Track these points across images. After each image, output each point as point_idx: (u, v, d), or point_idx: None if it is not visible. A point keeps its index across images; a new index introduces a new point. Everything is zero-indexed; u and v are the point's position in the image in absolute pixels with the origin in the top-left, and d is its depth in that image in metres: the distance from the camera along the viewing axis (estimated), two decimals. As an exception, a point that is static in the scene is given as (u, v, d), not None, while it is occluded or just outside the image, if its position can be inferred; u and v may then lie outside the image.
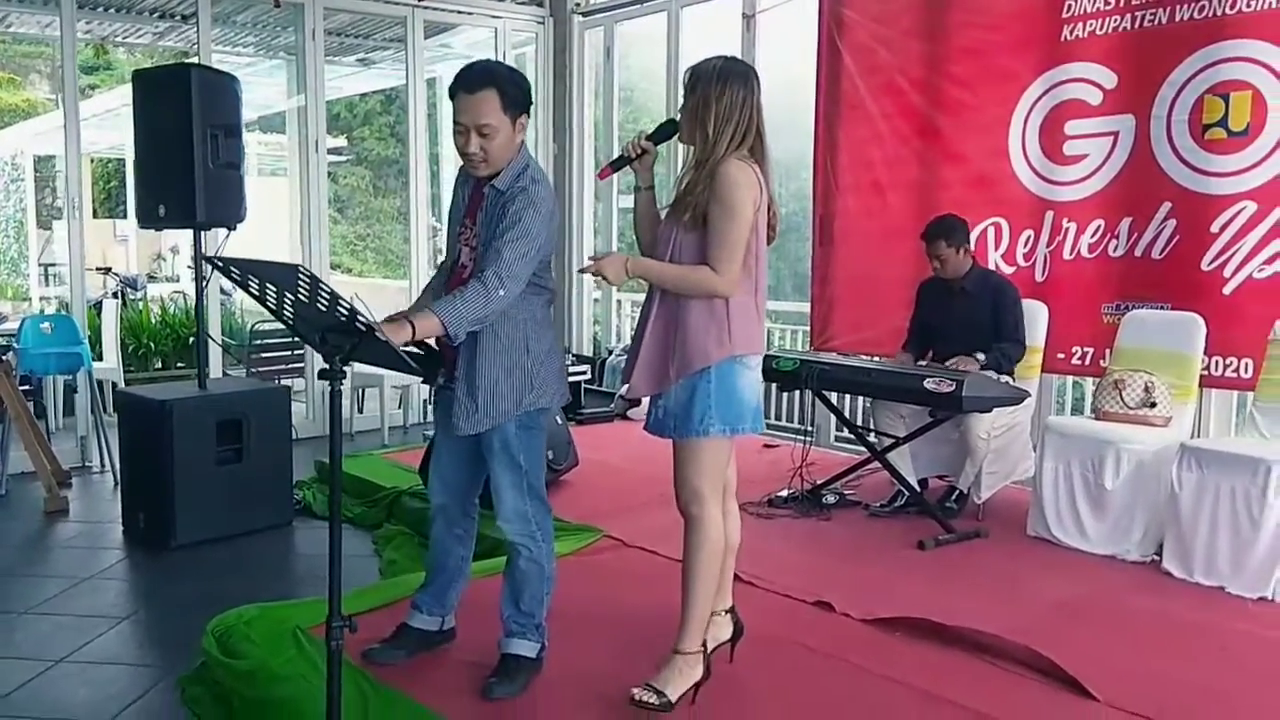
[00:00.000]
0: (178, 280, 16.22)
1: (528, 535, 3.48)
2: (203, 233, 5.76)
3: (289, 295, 2.54)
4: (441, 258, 3.91)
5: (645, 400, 3.49)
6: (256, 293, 2.63)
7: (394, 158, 21.77)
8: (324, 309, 2.45)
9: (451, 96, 3.29)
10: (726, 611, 3.55)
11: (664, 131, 3.39)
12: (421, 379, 2.82)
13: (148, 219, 5.62)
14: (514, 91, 3.29)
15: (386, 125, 21.99)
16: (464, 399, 3.30)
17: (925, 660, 3.70)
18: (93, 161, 18.77)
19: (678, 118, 3.33)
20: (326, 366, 2.60)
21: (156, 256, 18.65)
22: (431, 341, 3.24)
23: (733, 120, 3.16)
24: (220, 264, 2.57)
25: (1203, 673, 3.67)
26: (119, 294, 11.98)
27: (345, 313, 2.43)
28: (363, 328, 2.46)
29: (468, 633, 3.81)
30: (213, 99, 5.55)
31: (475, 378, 3.29)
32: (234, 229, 5.77)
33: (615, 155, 3.36)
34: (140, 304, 12.37)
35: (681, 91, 3.28)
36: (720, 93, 3.16)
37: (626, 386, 3.57)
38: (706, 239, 3.16)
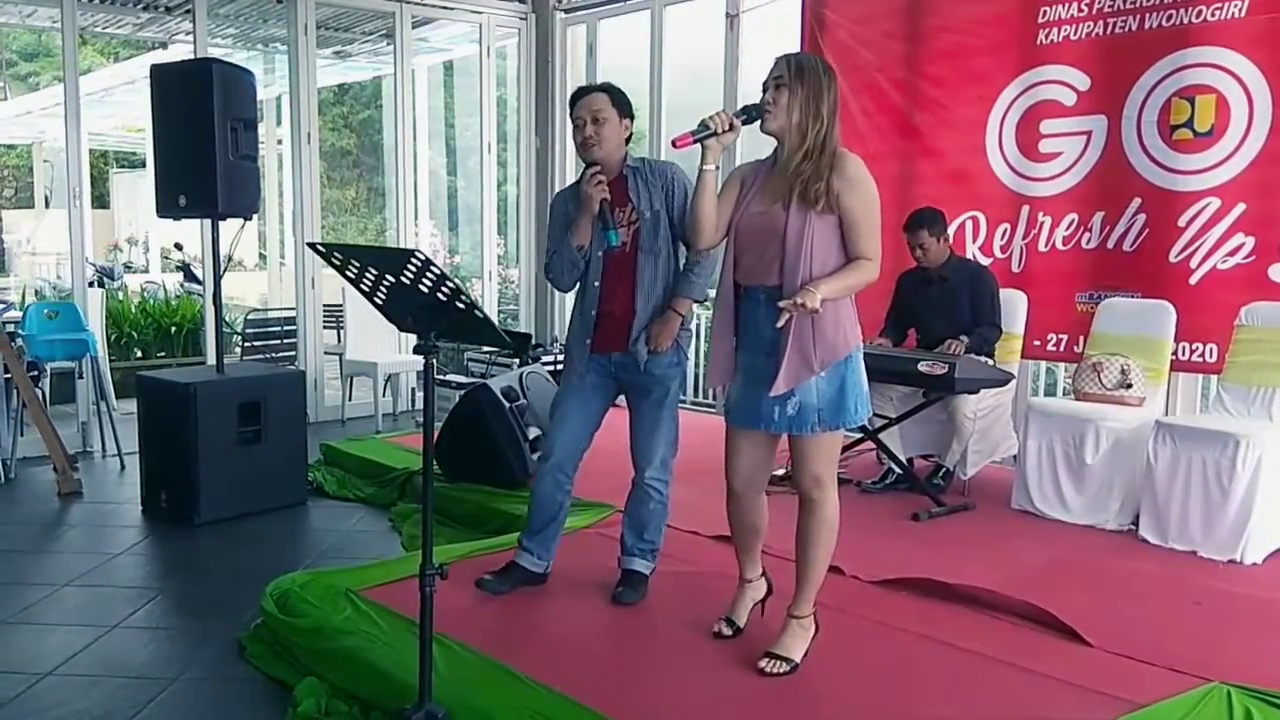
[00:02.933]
0: (147, 270, 16.32)
1: (664, 482, 4.18)
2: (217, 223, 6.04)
3: (389, 278, 2.84)
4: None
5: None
6: (353, 275, 2.92)
7: (348, 148, 21.87)
8: (427, 289, 2.75)
9: (572, 105, 4.06)
10: (760, 575, 3.89)
11: (749, 115, 3.44)
12: (513, 354, 3.14)
13: (168, 208, 5.85)
14: (621, 97, 4.08)
15: (340, 116, 22.02)
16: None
17: (931, 614, 4.07)
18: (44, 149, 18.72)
19: (762, 103, 3.42)
20: (421, 342, 2.90)
21: (113, 247, 18.66)
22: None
23: (837, 113, 3.38)
24: (323, 250, 2.87)
25: (1181, 621, 4.09)
26: (97, 283, 12.10)
27: (449, 291, 2.74)
28: (464, 305, 2.77)
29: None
30: (232, 93, 5.80)
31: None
32: (249, 219, 6.03)
33: (698, 124, 3.40)
34: (120, 293, 12.50)
35: (725, 85, 3.49)
36: (830, 84, 3.37)
37: (716, 383, 3.83)
38: (851, 228, 3.34)
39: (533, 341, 3.39)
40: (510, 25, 9.58)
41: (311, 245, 2.90)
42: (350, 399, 9.02)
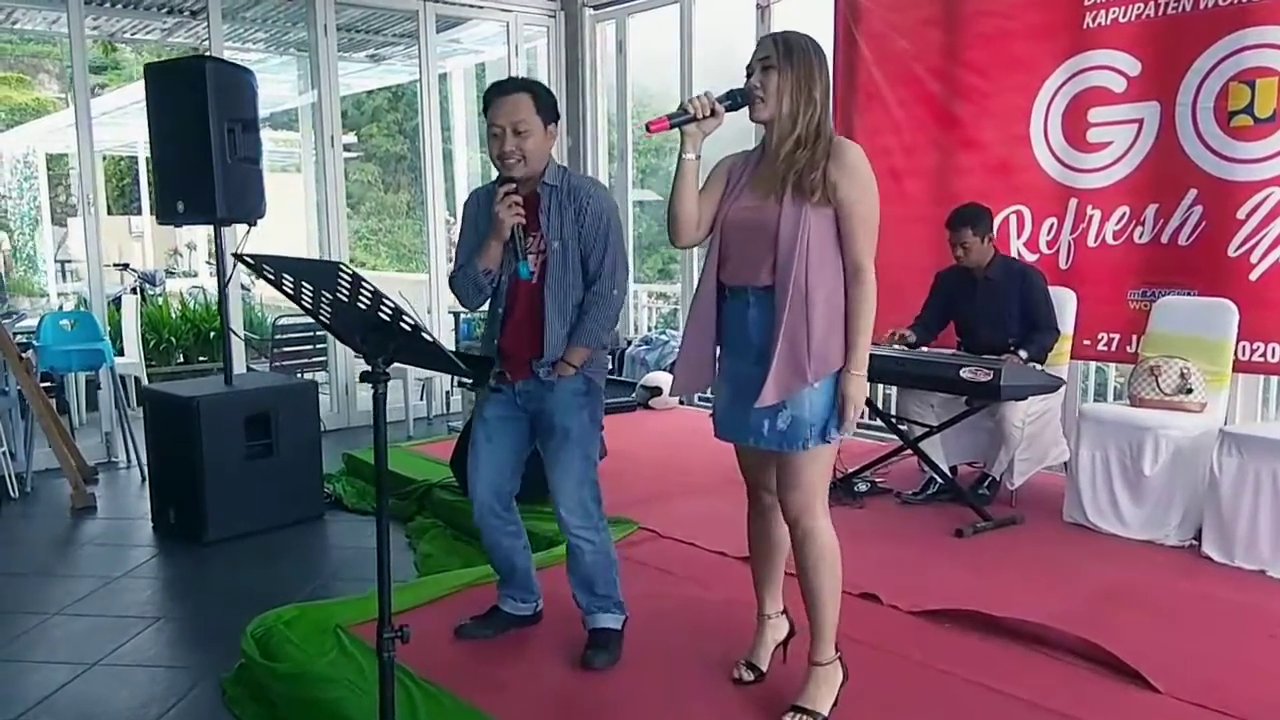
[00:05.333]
0: (195, 275, 16.05)
1: (591, 529, 3.48)
2: (223, 229, 5.59)
3: (326, 294, 2.35)
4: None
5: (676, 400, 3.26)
6: (291, 291, 2.43)
7: (402, 153, 21.61)
8: (365, 308, 2.26)
9: (486, 106, 3.36)
10: (781, 613, 3.38)
11: (734, 101, 2.94)
12: (473, 382, 2.60)
13: (167, 215, 5.42)
14: (546, 97, 3.39)
15: (394, 122, 21.89)
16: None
17: (978, 652, 3.54)
18: (105, 159, 18.58)
19: (749, 88, 2.93)
20: (369, 369, 2.40)
21: (173, 252, 18.50)
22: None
23: (830, 96, 2.94)
24: (251, 261, 2.37)
25: (1257, 657, 3.53)
26: (137, 289, 11.78)
27: (390, 312, 2.23)
28: (408, 328, 2.27)
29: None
30: (228, 92, 5.35)
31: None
32: (254, 225, 5.57)
33: (676, 108, 2.93)
34: (160, 299, 12.20)
35: (745, 69, 2.94)
36: (822, 65, 2.92)
37: (682, 392, 3.28)
38: (849, 225, 2.87)
39: (495, 368, 2.82)
40: (539, 23, 9.11)
41: (238, 256, 2.40)
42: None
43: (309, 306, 2.41)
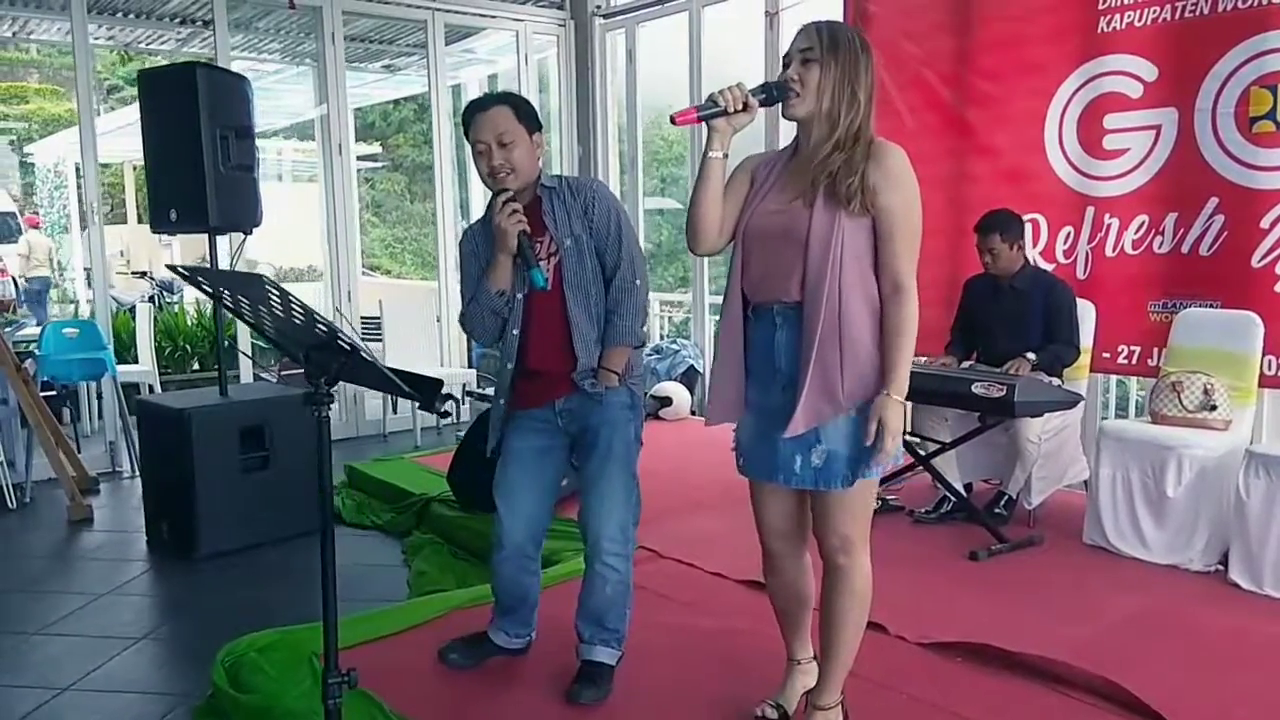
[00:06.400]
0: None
1: (623, 557, 3.18)
2: (218, 237, 5.32)
3: (263, 308, 2.07)
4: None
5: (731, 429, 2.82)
6: (230, 305, 2.16)
7: (428, 163, 21.45)
8: (300, 323, 1.98)
9: (466, 126, 3.12)
10: (812, 659, 3.01)
11: (769, 94, 2.59)
12: (419, 404, 2.30)
13: (160, 223, 5.16)
14: (526, 107, 3.17)
15: (420, 133, 21.75)
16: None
17: (990, 691, 3.22)
18: (135, 169, 18.49)
19: (786, 80, 2.58)
20: (310, 391, 2.12)
21: (202, 260, 18.36)
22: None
23: (874, 97, 2.59)
24: (186, 273, 2.09)
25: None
26: (154, 298, 11.57)
27: (324, 330, 1.95)
28: (346, 345, 1.98)
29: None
30: (221, 99, 5.10)
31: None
32: (249, 233, 5.30)
33: (705, 99, 2.57)
34: (176, 307, 11.98)
35: (774, 65, 2.60)
36: (868, 62, 2.57)
37: (718, 420, 2.82)
38: (888, 238, 2.53)
39: (443, 389, 2.52)
40: (549, 33, 8.84)
41: (172, 267, 2.13)
42: (395, 411, 8.30)
43: (251, 321, 2.13)
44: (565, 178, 3.24)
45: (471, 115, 3.11)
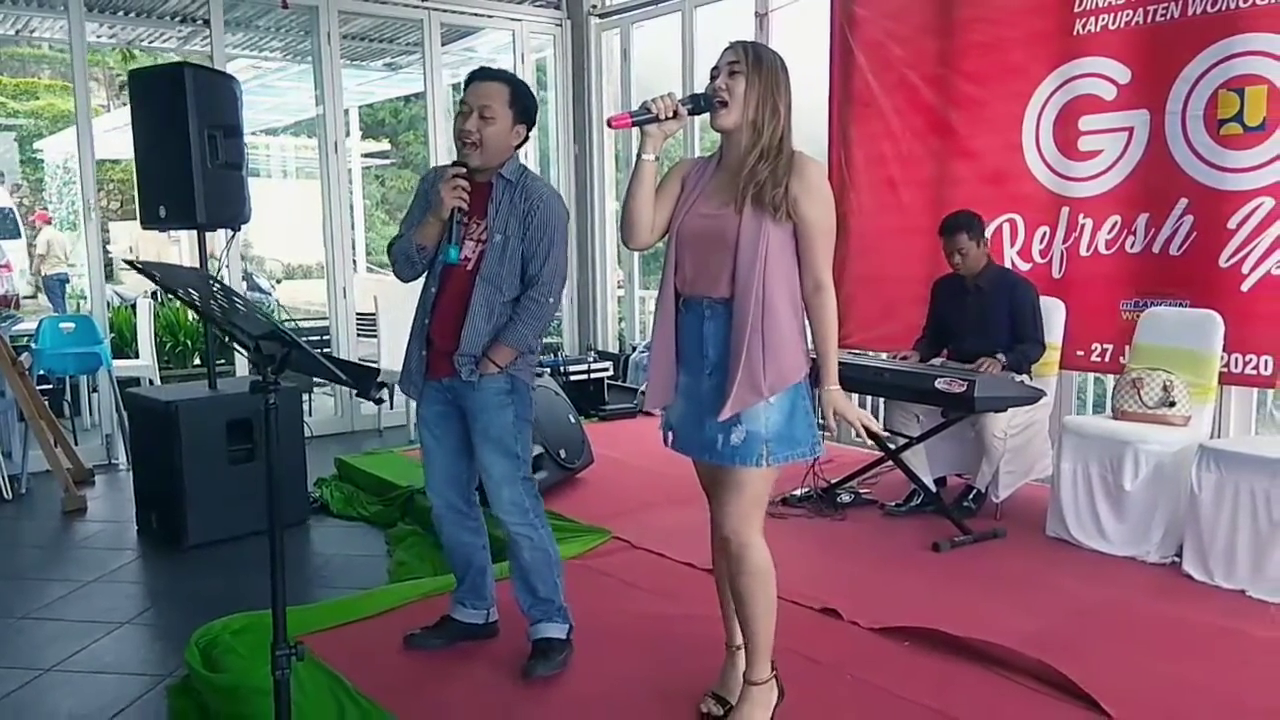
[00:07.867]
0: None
1: (527, 524, 3.38)
2: (207, 234, 5.48)
3: (213, 301, 2.23)
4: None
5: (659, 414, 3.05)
6: (184, 297, 2.30)
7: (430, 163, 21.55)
8: (244, 313, 2.13)
9: (465, 86, 3.29)
10: None
11: (697, 104, 2.78)
12: (356, 392, 2.46)
13: (150, 220, 5.32)
14: (523, 96, 3.30)
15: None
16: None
17: (935, 674, 3.35)
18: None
19: (714, 91, 2.77)
20: (258, 379, 2.28)
21: (211, 256, 18.43)
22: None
23: (791, 111, 2.79)
24: (139, 267, 2.25)
25: (1224, 685, 3.30)
26: (157, 294, 11.71)
27: (263, 321, 2.10)
28: (287, 336, 2.14)
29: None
30: (209, 98, 5.23)
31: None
32: (238, 230, 5.46)
33: (637, 106, 2.77)
34: (178, 303, 12.13)
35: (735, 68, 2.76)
36: (786, 78, 2.79)
37: (655, 405, 3.02)
38: (808, 243, 2.76)
39: (379, 379, 2.65)
40: (546, 32, 8.97)
41: (129, 262, 2.29)
42: (391, 407, 8.45)
43: (203, 311, 2.28)
44: (529, 176, 3.37)
45: (472, 78, 3.29)
